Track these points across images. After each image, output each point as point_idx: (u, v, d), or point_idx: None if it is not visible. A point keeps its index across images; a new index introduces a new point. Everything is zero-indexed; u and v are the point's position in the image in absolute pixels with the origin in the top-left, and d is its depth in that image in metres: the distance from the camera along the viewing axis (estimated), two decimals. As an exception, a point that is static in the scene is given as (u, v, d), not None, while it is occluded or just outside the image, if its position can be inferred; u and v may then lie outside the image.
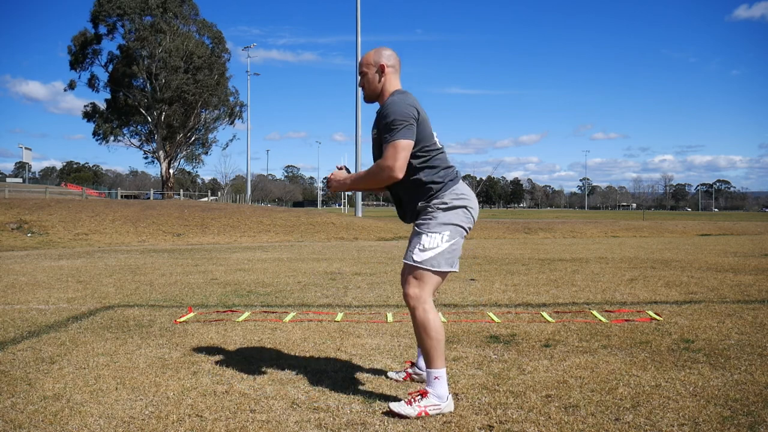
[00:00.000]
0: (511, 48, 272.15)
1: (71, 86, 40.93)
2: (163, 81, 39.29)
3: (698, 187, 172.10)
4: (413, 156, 2.77)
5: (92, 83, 41.26)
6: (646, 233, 24.36)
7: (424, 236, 2.76)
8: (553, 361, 3.53)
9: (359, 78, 2.95)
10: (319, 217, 25.01)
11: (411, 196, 2.85)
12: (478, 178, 63.12)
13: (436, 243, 2.74)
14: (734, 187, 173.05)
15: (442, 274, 2.79)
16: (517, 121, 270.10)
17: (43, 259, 10.80)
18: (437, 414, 2.64)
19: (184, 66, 39.06)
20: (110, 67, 40.89)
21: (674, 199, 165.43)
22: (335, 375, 3.29)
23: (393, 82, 2.90)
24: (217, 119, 44.73)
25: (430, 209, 2.81)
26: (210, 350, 3.84)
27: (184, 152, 44.92)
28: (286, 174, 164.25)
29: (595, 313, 5.03)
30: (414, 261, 2.74)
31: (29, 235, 17.88)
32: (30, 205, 21.96)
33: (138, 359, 3.62)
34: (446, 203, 2.80)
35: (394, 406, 2.63)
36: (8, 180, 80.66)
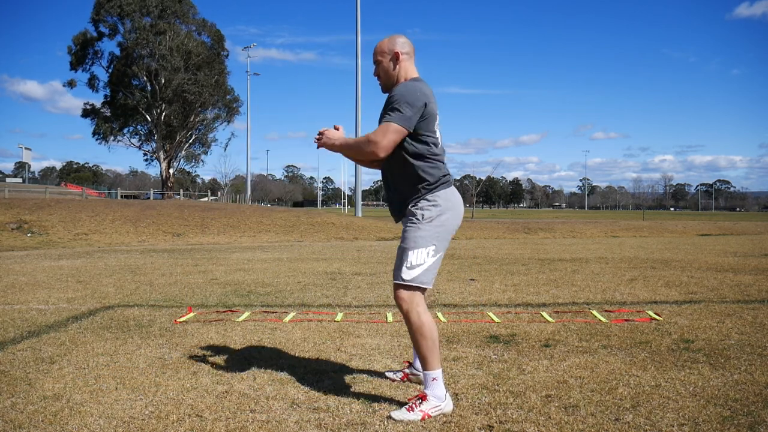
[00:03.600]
0: (511, 48, 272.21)
1: (71, 84, 40.90)
2: (163, 81, 39.30)
3: (698, 187, 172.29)
4: (410, 145, 2.71)
5: (92, 83, 41.28)
6: (646, 233, 24.37)
7: (410, 252, 2.70)
8: (553, 361, 3.53)
9: (374, 67, 2.86)
10: (319, 217, 25.02)
11: (401, 188, 2.80)
12: (478, 178, 62.99)
13: (423, 259, 2.69)
14: (734, 187, 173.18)
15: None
16: (517, 121, 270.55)
17: (43, 259, 10.80)
18: (438, 414, 2.65)
19: (184, 65, 39.07)
20: (111, 68, 40.89)
21: (674, 199, 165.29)
22: (335, 375, 3.29)
23: (408, 70, 2.82)
24: (216, 119, 44.76)
25: (417, 211, 2.74)
26: (210, 350, 3.85)
27: (183, 152, 44.94)
28: (286, 174, 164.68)
29: (595, 313, 5.03)
30: (403, 280, 2.70)
31: (29, 235, 17.88)
32: (30, 205, 21.95)
33: (138, 359, 3.62)
34: (433, 205, 2.74)
35: (396, 415, 2.61)
36: (8, 180, 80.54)
